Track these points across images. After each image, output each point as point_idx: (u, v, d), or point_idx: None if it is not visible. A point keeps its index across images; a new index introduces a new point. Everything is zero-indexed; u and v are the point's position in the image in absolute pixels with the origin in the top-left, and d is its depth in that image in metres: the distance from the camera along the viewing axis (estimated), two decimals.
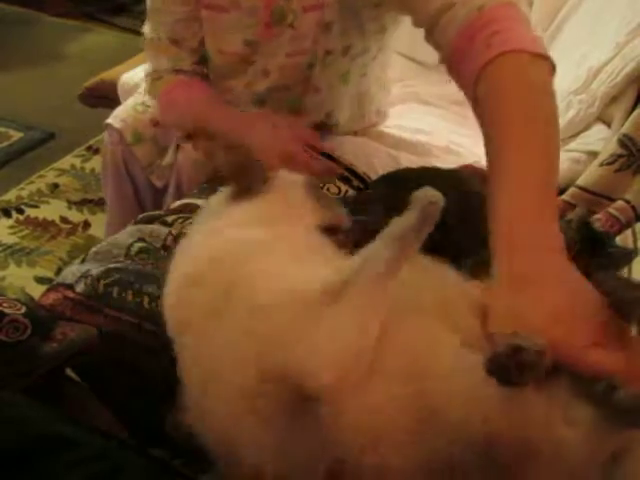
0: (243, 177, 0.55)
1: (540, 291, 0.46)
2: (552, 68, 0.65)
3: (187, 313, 0.49)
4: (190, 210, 0.92)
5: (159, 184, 1.19)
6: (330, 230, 0.56)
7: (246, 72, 1.02)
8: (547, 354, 0.41)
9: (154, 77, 1.05)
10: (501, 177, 0.55)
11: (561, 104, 1.13)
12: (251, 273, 0.47)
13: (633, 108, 0.97)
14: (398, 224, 0.45)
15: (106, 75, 1.57)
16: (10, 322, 0.53)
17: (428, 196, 0.45)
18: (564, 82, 1.18)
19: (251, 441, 0.44)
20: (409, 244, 0.44)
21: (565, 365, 0.43)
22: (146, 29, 1.04)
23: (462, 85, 0.70)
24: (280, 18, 0.94)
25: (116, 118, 1.17)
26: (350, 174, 0.94)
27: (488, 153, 0.60)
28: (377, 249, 0.44)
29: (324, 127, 1.11)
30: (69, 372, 0.66)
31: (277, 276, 0.46)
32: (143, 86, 1.17)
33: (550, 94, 0.61)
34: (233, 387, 0.44)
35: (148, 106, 1.19)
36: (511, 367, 0.40)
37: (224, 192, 0.57)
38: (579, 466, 0.41)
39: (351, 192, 0.93)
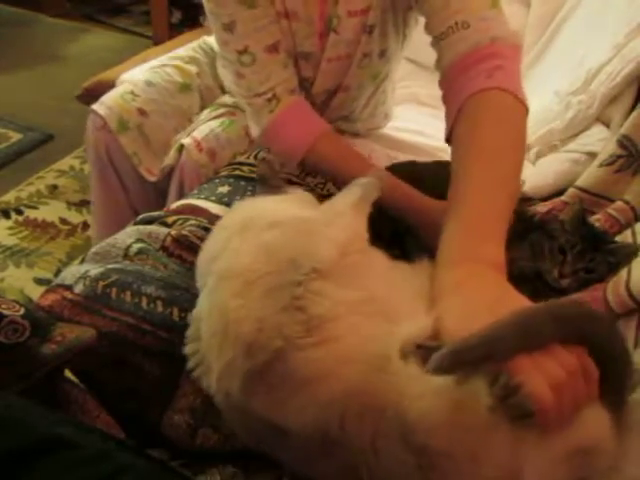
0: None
1: (473, 294, 0.50)
2: (527, 113, 0.73)
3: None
4: (190, 211, 0.92)
5: (151, 178, 1.18)
6: None
7: (301, 84, 1.01)
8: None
9: (268, 97, 0.92)
10: (459, 197, 0.62)
11: (560, 105, 1.13)
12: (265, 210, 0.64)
13: (632, 109, 0.97)
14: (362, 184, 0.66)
15: (104, 76, 1.57)
16: (9, 323, 0.53)
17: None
18: (563, 83, 1.18)
19: None
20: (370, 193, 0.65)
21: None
22: (228, 54, 0.92)
23: (449, 96, 0.76)
24: (330, 26, 0.94)
25: (102, 105, 1.17)
26: None
27: (454, 170, 0.65)
28: (352, 191, 0.65)
29: (344, 123, 1.11)
30: (67, 373, 0.66)
31: (283, 210, 0.65)
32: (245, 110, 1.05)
33: (523, 135, 0.70)
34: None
35: (137, 95, 1.19)
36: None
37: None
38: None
39: None
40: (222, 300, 0.54)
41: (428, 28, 0.82)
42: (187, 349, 0.60)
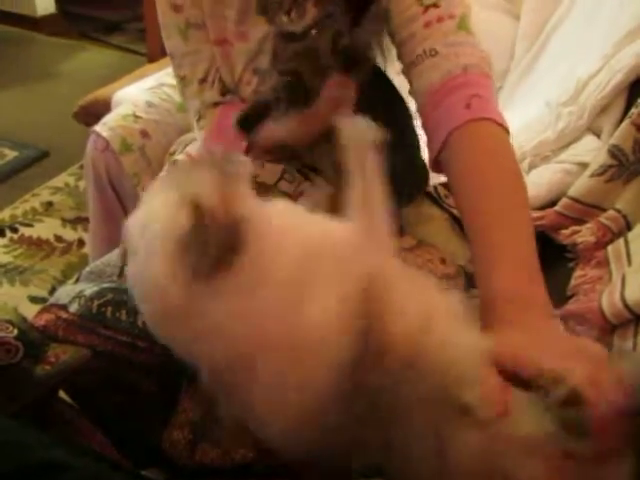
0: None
1: (532, 330, 0.53)
2: (509, 136, 0.73)
3: None
4: None
5: None
6: None
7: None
8: None
9: (196, 118, 0.99)
10: (489, 253, 0.62)
11: (551, 115, 1.14)
12: None
13: (622, 119, 0.98)
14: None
15: (100, 93, 1.58)
16: (1, 345, 0.53)
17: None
18: (554, 93, 1.19)
19: None
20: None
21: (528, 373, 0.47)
22: (177, 72, 0.98)
23: (429, 125, 0.76)
24: None
25: (104, 126, 1.17)
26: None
27: (471, 214, 0.66)
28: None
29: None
30: (61, 394, 0.66)
31: None
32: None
33: (516, 162, 0.70)
34: None
35: (139, 117, 1.20)
36: None
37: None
38: None
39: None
40: None
41: (399, 58, 0.83)
42: None
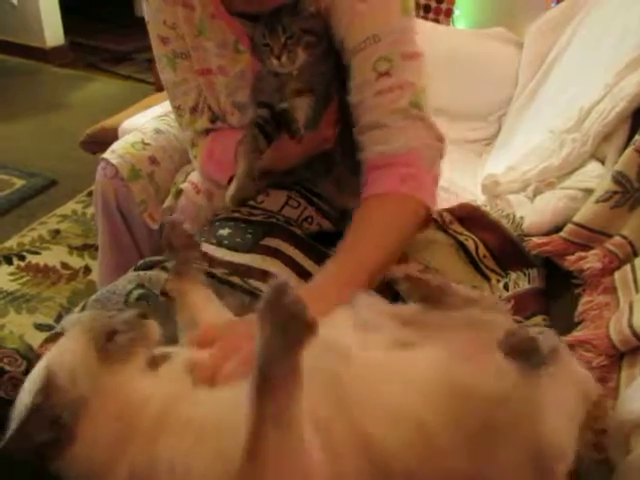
0: None
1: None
2: (428, 217, 0.81)
3: None
4: None
5: (154, 226, 1.19)
6: None
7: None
8: None
9: (190, 146, 1.04)
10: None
11: (555, 143, 1.15)
12: None
13: (626, 146, 0.98)
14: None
15: (107, 122, 1.60)
16: (9, 379, 0.53)
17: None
18: (557, 121, 1.20)
19: None
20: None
21: None
22: (173, 104, 1.03)
23: (364, 185, 0.81)
24: None
25: (113, 153, 1.19)
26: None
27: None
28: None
29: None
30: None
31: None
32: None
33: (408, 233, 0.78)
34: None
35: (147, 144, 1.21)
36: None
37: None
38: None
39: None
40: None
41: (354, 120, 0.85)
42: None
